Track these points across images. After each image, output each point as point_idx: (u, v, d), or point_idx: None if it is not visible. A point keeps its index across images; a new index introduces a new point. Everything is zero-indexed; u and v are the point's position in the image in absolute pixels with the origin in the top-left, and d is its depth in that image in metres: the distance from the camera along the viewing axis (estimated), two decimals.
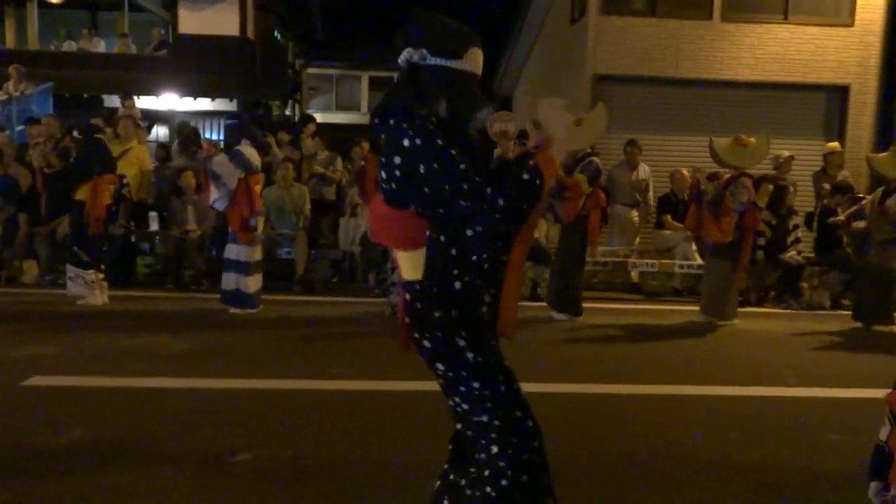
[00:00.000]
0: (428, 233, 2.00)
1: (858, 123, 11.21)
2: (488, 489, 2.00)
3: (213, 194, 6.35)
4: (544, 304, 7.60)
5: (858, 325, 6.91)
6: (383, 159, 1.96)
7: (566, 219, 6.65)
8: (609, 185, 8.80)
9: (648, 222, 9.54)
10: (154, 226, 9.20)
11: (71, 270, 6.75)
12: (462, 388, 2.03)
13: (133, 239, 8.39)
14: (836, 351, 6.08)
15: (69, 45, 15.44)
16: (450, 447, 2.21)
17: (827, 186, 8.89)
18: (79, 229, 6.67)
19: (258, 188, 6.65)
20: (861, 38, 11.15)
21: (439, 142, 1.90)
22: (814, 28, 11.11)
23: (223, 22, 14.39)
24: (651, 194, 9.35)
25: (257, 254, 6.64)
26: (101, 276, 6.82)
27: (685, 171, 9.29)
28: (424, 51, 1.99)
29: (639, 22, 11.12)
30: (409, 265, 2.06)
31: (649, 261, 8.67)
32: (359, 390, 4.33)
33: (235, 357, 5.08)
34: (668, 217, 9.00)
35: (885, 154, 7.10)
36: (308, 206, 8.34)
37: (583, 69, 11.20)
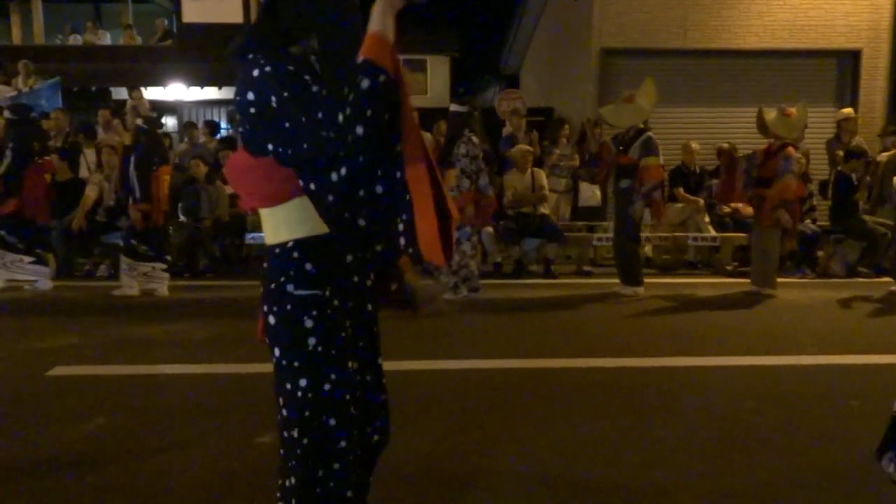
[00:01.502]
0: (301, 183, 1.70)
1: (871, 88, 11.05)
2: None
3: None
4: (556, 281, 7.63)
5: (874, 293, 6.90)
6: (237, 98, 1.68)
7: (662, 205, 6.84)
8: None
9: None
10: None
11: (125, 262, 6.80)
12: (288, 385, 1.76)
13: None
14: (853, 318, 6.05)
15: (75, 39, 15.47)
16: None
17: (840, 153, 8.81)
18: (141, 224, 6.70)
19: None
20: (871, 1, 10.97)
21: (290, 68, 1.63)
22: None
23: (226, 9, 14.33)
24: None
25: None
26: (164, 266, 6.89)
27: (695, 144, 9.23)
28: None
29: None
30: (270, 225, 1.78)
31: (662, 234, 8.63)
32: None
33: (253, 343, 5.11)
34: (681, 189, 8.94)
35: None
36: None
37: (589, 44, 11.08)
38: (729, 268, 8.33)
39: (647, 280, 7.17)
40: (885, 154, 8.39)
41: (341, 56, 1.68)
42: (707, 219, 8.65)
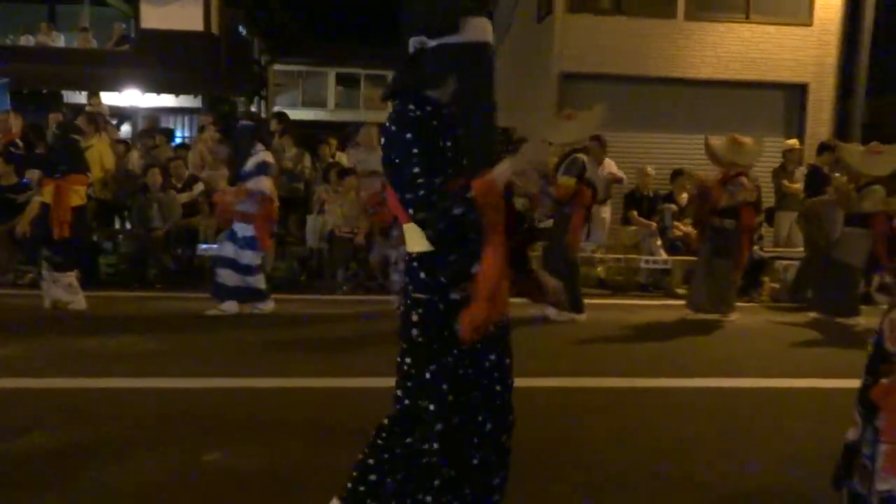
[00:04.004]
0: None
1: (817, 121, 11.48)
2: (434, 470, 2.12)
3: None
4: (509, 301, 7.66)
5: (819, 316, 7.07)
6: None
7: (575, 227, 6.58)
8: None
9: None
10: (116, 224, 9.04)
11: (46, 275, 6.48)
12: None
13: (95, 238, 8.23)
14: (796, 343, 6.22)
15: (27, 40, 15.08)
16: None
17: (786, 182, 9.09)
18: (42, 232, 6.43)
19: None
20: (819, 37, 11.41)
21: (408, 135, 1.95)
22: (773, 27, 11.34)
23: (187, 17, 14.17)
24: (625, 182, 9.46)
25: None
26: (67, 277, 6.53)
27: (649, 169, 9.43)
28: (423, 36, 1.97)
29: (605, 20, 11.24)
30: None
31: (616, 256, 8.78)
32: (329, 388, 4.32)
33: (203, 356, 5.04)
34: (634, 213, 9.12)
35: (860, 149, 7.24)
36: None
37: (549, 67, 11.28)
38: (679, 291, 8.49)
39: (599, 301, 7.27)
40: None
41: (476, 99, 2.00)
42: (659, 242, 8.82)
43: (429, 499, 2.11)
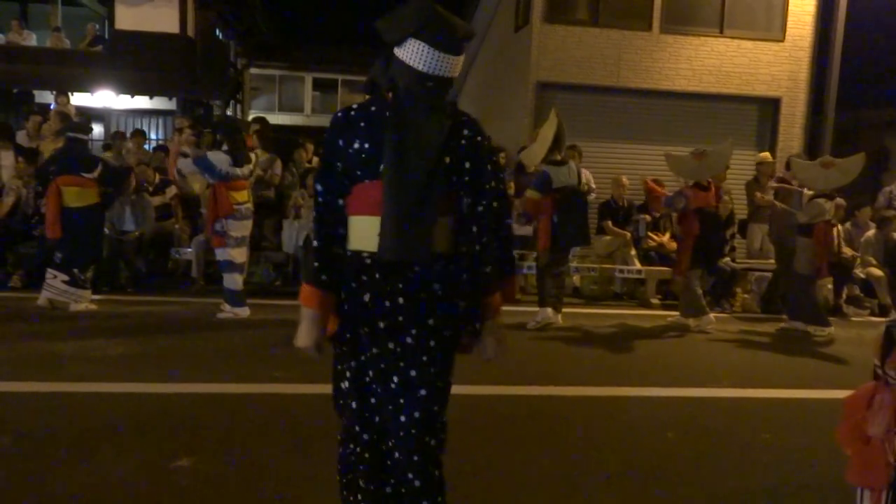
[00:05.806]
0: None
1: (789, 135, 11.67)
2: (437, 472, 2.18)
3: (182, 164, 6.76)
4: None
5: (789, 326, 7.17)
6: None
7: (543, 236, 6.75)
8: None
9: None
10: None
11: (48, 273, 6.49)
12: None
13: None
14: (768, 353, 6.30)
15: None
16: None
17: (759, 195, 9.22)
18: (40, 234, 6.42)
19: (237, 194, 6.35)
20: (791, 52, 11.61)
21: (326, 134, 2.04)
22: (747, 42, 11.52)
23: (162, 18, 14.02)
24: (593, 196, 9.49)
25: (236, 255, 6.43)
26: (66, 278, 6.47)
27: (625, 179, 9.50)
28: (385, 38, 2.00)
29: (581, 31, 11.33)
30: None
31: (590, 265, 8.83)
32: (304, 394, 4.28)
33: (176, 361, 4.96)
34: (609, 223, 9.19)
35: (810, 163, 7.35)
36: None
37: (526, 76, 11.34)
38: (654, 301, 8.56)
39: (574, 310, 7.30)
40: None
41: (397, 118, 1.96)
42: (633, 252, 8.89)
43: None
